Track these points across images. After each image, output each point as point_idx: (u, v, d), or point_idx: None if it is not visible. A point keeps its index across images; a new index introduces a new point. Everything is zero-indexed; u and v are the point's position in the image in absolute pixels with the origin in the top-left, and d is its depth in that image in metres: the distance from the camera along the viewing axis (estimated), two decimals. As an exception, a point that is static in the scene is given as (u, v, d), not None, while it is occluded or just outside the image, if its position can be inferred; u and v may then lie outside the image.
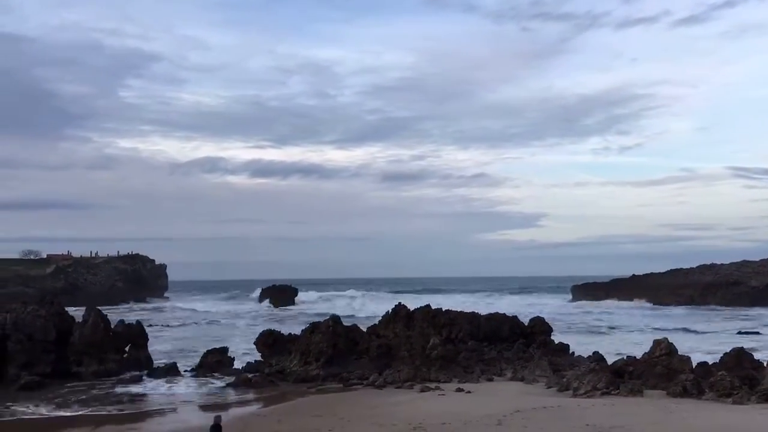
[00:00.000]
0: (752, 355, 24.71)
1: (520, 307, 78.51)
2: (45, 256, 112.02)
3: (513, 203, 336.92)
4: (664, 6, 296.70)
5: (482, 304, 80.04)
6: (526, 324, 34.88)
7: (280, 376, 28.60)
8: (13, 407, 23.26)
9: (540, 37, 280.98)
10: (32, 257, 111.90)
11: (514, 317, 35.59)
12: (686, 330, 53.55)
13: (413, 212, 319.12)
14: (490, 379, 26.78)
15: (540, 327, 34.40)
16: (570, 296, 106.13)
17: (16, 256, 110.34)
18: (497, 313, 36.99)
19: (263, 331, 34.63)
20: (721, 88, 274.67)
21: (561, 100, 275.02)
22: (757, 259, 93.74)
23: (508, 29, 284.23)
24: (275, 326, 40.53)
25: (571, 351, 32.53)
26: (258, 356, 32.78)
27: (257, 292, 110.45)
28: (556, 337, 35.31)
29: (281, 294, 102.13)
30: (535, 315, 38.15)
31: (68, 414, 22.25)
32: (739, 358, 23.79)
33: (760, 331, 51.63)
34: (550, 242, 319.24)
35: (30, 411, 22.76)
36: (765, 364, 22.85)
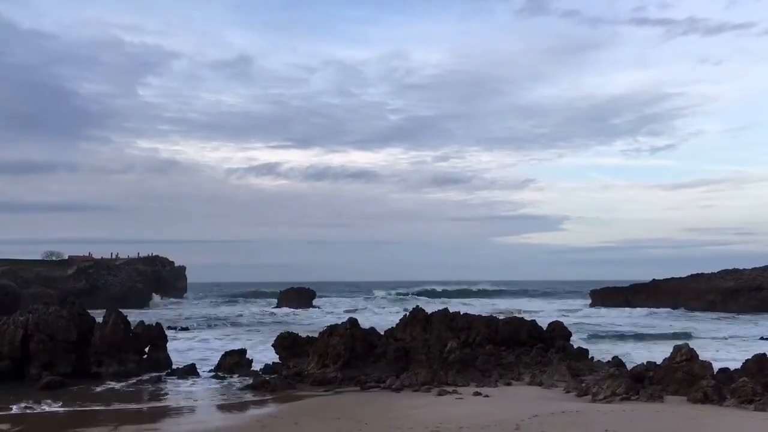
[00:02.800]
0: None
1: (540, 310, 78.08)
2: (66, 258, 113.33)
3: (536, 206, 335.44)
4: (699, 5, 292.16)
5: (501, 308, 79.83)
6: (545, 328, 34.69)
7: (298, 378, 28.68)
8: (35, 405, 23.56)
9: (571, 33, 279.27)
10: (54, 258, 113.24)
11: (533, 321, 35.41)
12: (714, 338, 52.83)
13: (435, 215, 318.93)
14: (508, 384, 26.66)
15: (559, 331, 34.21)
16: (589, 300, 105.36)
17: (38, 257, 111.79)
18: (515, 317, 36.87)
19: (281, 333, 34.77)
20: (757, 89, 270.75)
21: (590, 99, 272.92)
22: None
23: (537, 25, 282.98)
24: (292, 328, 40.67)
25: (590, 356, 32.29)
26: (276, 358, 32.92)
27: (275, 295, 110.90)
28: (575, 342, 35.08)
29: (299, 296, 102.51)
30: (554, 319, 37.89)
31: (89, 413, 22.48)
32: (761, 364, 23.44)
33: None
34: (573, 246, 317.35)
35: (51, 409, 23.02)
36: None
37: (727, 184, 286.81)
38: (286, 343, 33.15)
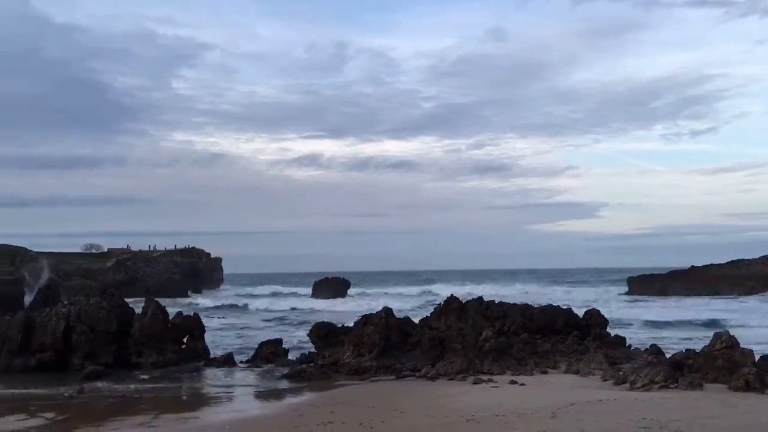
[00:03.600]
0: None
1: (575, 298, 77.32)
2: (106, 250, 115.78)
3: (572, 193, 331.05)
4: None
5: (536, 296, 79.26)
6: (581, 316, 34.32)
7: (333, 368, 28.89)
8: (78, 394, 24.17)
9: (609, 14, 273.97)
10: (94, 251, 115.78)
11: (569, 309, 35.06)
12: (756, 325, 51.72)
13: (470, 204, 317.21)
14: (544, 372, 26.48)
15: (595, 319, 33.81)
16: (626, 288, 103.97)
17: (78, 250, 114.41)
18: (551, 305, 36.52)
19: (316, 323, 35.03)
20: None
21: (629, 82, 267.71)
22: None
23: (575, 7, 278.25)
24: (327, 318, 40.97)
25: (627, 344, 31.88)
26: (311, 347, 33.20)
27: (310, 285, 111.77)
28: (612, 330, 34.65)
29: (334, 286, 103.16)
30: (591, 307, 37.46)
31: (130, 402, 22.98)
32: (805, 352, 22.86)
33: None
34: (610, 233, 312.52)
35: (94, 398, 23.57)
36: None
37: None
38: (322, 333, 33.38)
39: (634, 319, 54.89)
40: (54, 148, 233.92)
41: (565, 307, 35.58)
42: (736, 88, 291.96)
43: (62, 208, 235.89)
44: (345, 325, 33.93)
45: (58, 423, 19.64)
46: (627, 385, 22.39)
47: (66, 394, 23.99)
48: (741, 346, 23.67)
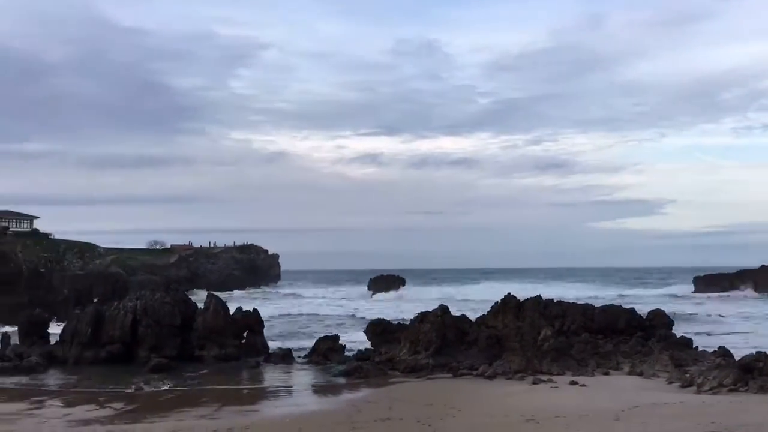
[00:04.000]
0: None
1: (637, 298, 75.39)
2: (169, 247, 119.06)
3: (634, 189, 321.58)
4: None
5: (596, 295, 77.61)
6: (645, 316, 33.45)
7: (390, 365, 28.96)
8: (144, 386, 24.95)
9: (676, 3, 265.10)
10: (158, 247, 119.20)
11: (631, 309, 34.22)
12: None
13: (527, 201, 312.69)
14: (606, 373, 25.89)
15: (660, 320, 32.91)
16: (692, 287, 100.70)
17: (143, 246, 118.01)
18: (612, 305, 35.75)
19: (372, 320, 35.19)
20: None
21: (696, 74, 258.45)
22: None
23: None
24: (382, 315, 41.10)
25: (694, 345, 30.87)
26: (368, 344, 33.35)
27: (365, 282, 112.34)
28: (678, 330, 33.62)
29: (389, 284, 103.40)
30: (655, 307, 36.45)
31: (192, 395, 23.58)
32: None
33: None
34: (675, 231, 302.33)
35: (159, 390, 24.28)
36: None
37: None
38: (378, 330, 33.50)
39: (701, 319, 53.10)
40: (119, 147, 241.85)
41: (627, 307, 34.76)
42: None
43: (127, 206, 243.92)
44: (401, 322, 33.98)
45: (127, 413, 20.32)
46: (694, 387, 21.70)
47: (133, 387, 24.77)
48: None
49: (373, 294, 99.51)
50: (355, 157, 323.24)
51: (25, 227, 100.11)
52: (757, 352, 24.71)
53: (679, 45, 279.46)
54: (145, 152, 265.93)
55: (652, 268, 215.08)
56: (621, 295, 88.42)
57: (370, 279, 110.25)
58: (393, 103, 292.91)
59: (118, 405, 21.48)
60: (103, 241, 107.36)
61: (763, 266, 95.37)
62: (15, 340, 33.74)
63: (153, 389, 24.53)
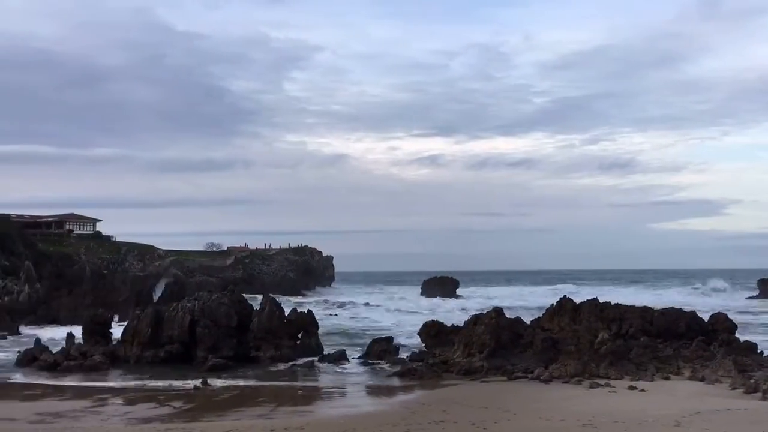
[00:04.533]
0: None
1: (697, 301, 73.07)
2: (225, 249, 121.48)
3: (696, 189, 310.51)
4: None
5: (654, 297, 75.62)
6: (706, 320, 32.41)
7: (444, 367, 28.84)
8: (202, 385, 25.47)
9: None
10: (214, 249, 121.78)
11: (692, 312, 33.21)
12: None
13: (585, 201, 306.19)
14: (666, 378, 25.19)
15: (722, 324, 31.80)
16: (756, 291, 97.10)
17: (200, 248, 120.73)
18: (673, 307, 34.72)
19: (426, 322, 35.11)
20: None
21: (762, 69, 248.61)
22: None
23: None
24: (436, 317, 40.91)
25: (759, 350, 29.75)
26: (422, 346, 33.30)
27: (419, 284, 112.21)
28: (741, 335, 32.45)
29: (442, 286, 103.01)
30: (716, 311, 35.29)
31: (249, 394, 23.98)
32: None
33: None
34: (738, 232, 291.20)
35: (217, 390, 24.77)
36: None
37: None
38: (432, 332, 33.43)
39: (766, 324, 51.11)
40: (177, 151, 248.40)
41: (688, 310, 33.76)
42: None
43: (186, 209, 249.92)
44: (455, 324, 33.82)
45: (185, 412, 20.81)
46: (759, 394, 20.91)
47: (192, 386, 25.34)
48: None
49: (426, 296, 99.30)
50: (409, 159, 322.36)
51: (88, 230, 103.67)
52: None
53: (742, 40, 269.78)
54: (203, 156, 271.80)
55: (717, 269, 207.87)
56: (686, 295, 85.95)
57: (423, 281, 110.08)
58: (446, 104, 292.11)
59: (177, 403, 22.02)
60: (163, 243, 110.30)
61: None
62: (79, 339, 34.94)
63: (210, 388, 25.03)
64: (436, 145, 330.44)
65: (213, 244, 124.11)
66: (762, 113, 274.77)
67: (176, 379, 26.92)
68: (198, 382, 25.67)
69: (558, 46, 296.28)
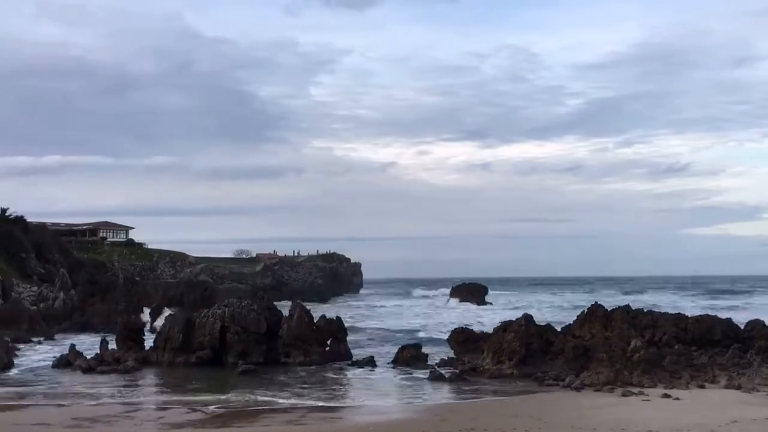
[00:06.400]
0: None
1: (733, 308, 71.58)
2: (254, 255, 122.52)
3: (733, 193, 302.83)
4: None
5: (690, 304, 74.31)
6: (742, 327, 31.75)
7: (473, 374, 28.69)
8: (233, 391, 25.66)
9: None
10: (244, 256, 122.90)
11: (728, 319, 32.58)
12: None
13: (619, 206, 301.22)
14: (701, 386, 24.70)
15: (759, 331, 31.08)
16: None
17: (230, 255, 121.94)
18: (707, 314, 34.09)
19: (455, 328, 35.01)
20: None
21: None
22: None
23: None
24: (465, 323, 40.78)
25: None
26: (450, 353, 33.16)
27: (448, 290, 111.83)
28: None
29: (471, 292, 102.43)
30: (753, 318, 34.55)
31: (281, 400, 24.08)
32: None
33: None
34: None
35: (247, 397, 24.92)
36: None
37: None
38: (461, 338, 33.29)
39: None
40: (207, 158, 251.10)
41: (723, 317, 33.12)
42: None
43: (215, 216, 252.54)
44: (483, 331, 33.64)
45: (216, 417, 20.98)
46: (798, 403, 20.40)
47: (224, 392, 25.55)
48: None
49: (454, 301, 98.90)
50: (437, 163, 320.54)
51: (121, 237, 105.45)
52: None
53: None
54: (232, 163, 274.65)
55: (757, 276, 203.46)
56: (720, 302, 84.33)
57: (452, 287, 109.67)
58: (477, 107, 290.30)
59: (209, 409, 22.20)
60: (193, 250, 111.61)
61: None
62: (112, 344, 35.48)
63: (241, 394, 25.18)
64: (467, 149, 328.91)
65: (242, 251, 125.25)
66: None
67: (207, 385, 27.15)
68: (229, 388, 25.85)
69: (591, 45, 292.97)
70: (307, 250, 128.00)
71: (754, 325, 31.76)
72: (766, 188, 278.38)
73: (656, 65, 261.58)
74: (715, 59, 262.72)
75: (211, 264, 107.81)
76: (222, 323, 33.33)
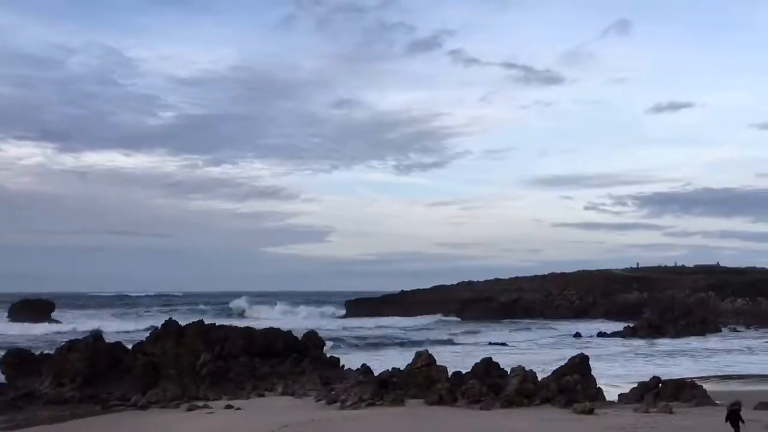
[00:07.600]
0: (498, 364, 27.19)
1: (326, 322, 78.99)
2: None
3: (305, 217, 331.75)
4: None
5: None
6: (300, 338, 35.29)
7: (28, 400, 25.82)
8: None
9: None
10: None
11: (288, 332, 35.79)
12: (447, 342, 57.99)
13: (205, 223, 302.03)
14: (261, 395, 26.65)
15: (313, 342, 34.95)
16: (344, 311, 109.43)
17: None
18: (271, 328, 36.94)
19: (9, 350, 31.09)
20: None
21: (372, 111, 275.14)
22: (506, 278, 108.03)
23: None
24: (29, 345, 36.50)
25: (341, 364, 33.49)
26: (1, 378, 29.27)
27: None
28: (329, 352, 36.16)
29: (33, 309, 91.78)
30: (310, 329, 38.76)
31: None
32: (487, 368, 26.16)
33: (507, 342, 57.72)
34: (336, 258, 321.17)
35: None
36: (509, 372, 25.36)
37: (481, 202, 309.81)
38: (15, 361, 29.68)
39: (351, 340, 58.15)
40: None
41: (285, 330, 36.26)
42: (461, 127, 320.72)
43: None
44: (44, 352, 30.66)
45: None
46: (338, 404, 23.50)
47: None
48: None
49: (12, 320, 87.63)
50: (8, 165, 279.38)
51: None
52: (393, 369, 27.92)
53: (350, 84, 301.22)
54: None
55: (321, 291, 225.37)
56: (288, 314, 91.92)
57: (11, 305, 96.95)
58: (58, 106, 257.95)
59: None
60: None
61: (402, 291, 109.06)
62: None
63: None
64: (45, 151, 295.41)
65: None
66: (366, 151, 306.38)
67: None
68: None
69: (188, 61, 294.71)
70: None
71: (309, 336, 35.60)
72: (331, 214, 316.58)
73: (249, 90, 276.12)
74: (300, 92, 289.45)
75: None
76: None
